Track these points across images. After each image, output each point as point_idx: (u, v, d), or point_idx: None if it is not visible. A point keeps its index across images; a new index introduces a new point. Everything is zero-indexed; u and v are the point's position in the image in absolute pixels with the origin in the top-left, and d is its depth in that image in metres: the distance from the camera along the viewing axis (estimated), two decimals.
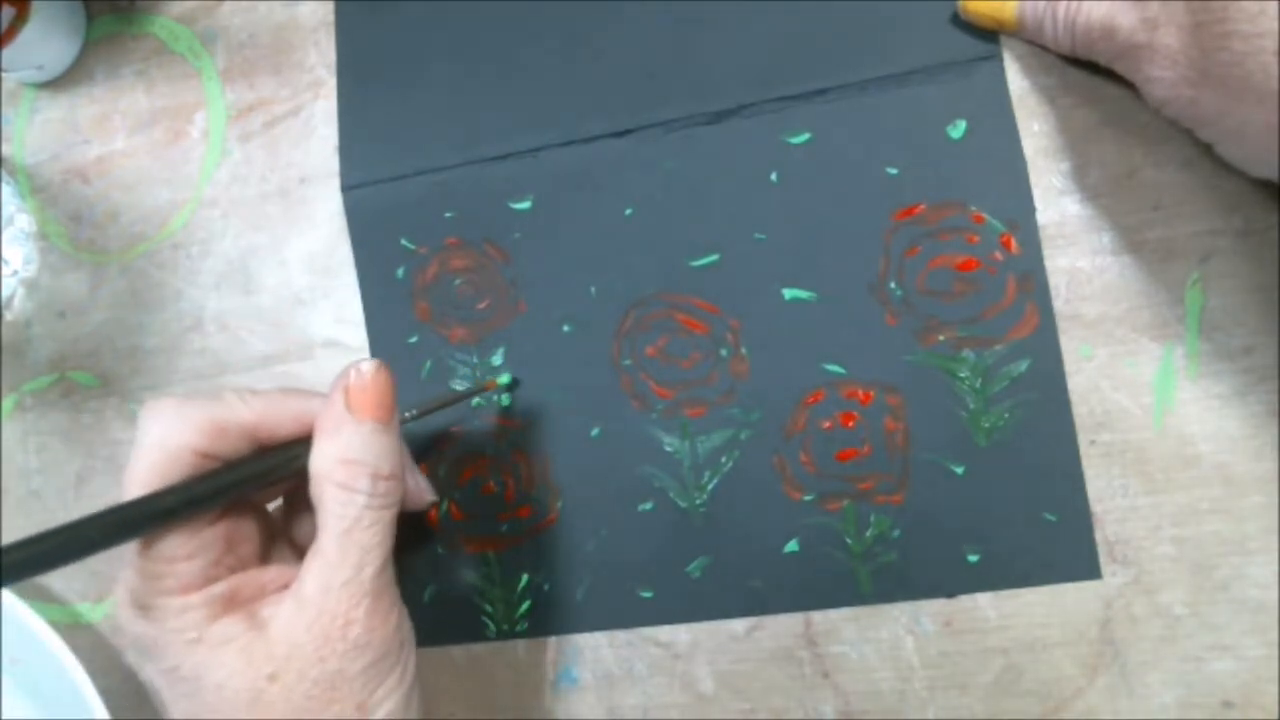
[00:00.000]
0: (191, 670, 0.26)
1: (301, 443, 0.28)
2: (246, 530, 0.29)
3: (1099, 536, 0.32)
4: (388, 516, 0.27)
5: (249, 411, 0.28)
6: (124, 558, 0.27)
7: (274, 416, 0.28)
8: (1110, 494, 0.32)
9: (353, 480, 0.27)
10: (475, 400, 0.37)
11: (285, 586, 0.28)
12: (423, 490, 0.33)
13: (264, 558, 0.30)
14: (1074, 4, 0.30)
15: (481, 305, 0.37)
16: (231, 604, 0.27)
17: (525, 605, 0.36)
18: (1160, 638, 0.31)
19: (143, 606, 0.26)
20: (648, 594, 0.35)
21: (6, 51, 0.40)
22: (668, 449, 0.35)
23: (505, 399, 0.37)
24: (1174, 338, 0.32)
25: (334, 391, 0.28)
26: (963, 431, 0.33)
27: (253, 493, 0.28)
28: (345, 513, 0.27)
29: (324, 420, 0.27)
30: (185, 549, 0.26)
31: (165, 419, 0.27)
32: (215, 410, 0.27)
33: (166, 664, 0.26)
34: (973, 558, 0.33)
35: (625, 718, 0.36)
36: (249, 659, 0.26)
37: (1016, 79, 0.33)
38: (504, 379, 0.36)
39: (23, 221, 0.43)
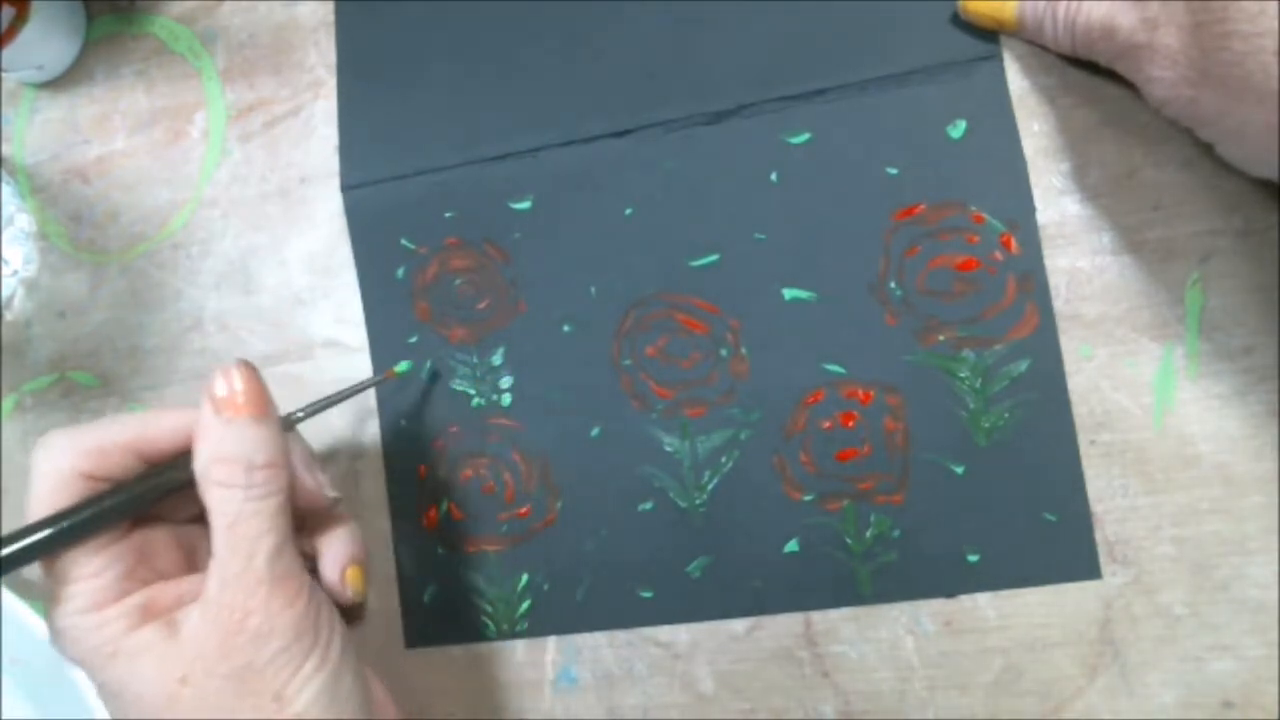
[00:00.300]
0: (114, 682, 0.27)
1: (188, 454, 0.29)
2: (160, 543, 0.30)
3: (1099, 536, 0.32)
4: (271, 505, 0.28)
5: (125, 430, 0.29)
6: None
7: (152, 431, 0.29)
8: (1110, 494, 0.32)
9: (229, 476, 0.27)
10: (475, 400, 0.37)
11: None
12: (321, 485, 0.32)
13: (190, 568, 0.31)
14: (1074, 4, 0.30)
15: (481, 305, 0.37)
16: (148, 614, 0.28)
17: (525, 605, 0.36)
18: (1160, 638, 0.31)
19: (59, 629, 0.28)
20: (648, 594, 0.35)
21: (6, 51, 0.40)
22: (668, 449, 0.35)
23: (506, 399, 0.37)
24: (1174, 338, 0.32)
25: (202, 398, 0.28)
26: (963, 431, 0.33)
27: (150, 505, 0.29)
28: (227, 509, 0.27)
29: (198, 427, 0.28)
30: (89, 568, 0.27)
31: (53, 448, 0.28)
32: (96, 433, 0.28)
33: (95, 679, 0.27)
34: (973, 558, 0.33)
35: (625, 718, 0.36)
36: (161, 665, 0.27)
37: (1016, 79, 0.33)
38: (402, 367, 0.37)
39: (23, 221, 0.43)
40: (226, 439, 0.28)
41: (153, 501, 0.29)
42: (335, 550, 0.33)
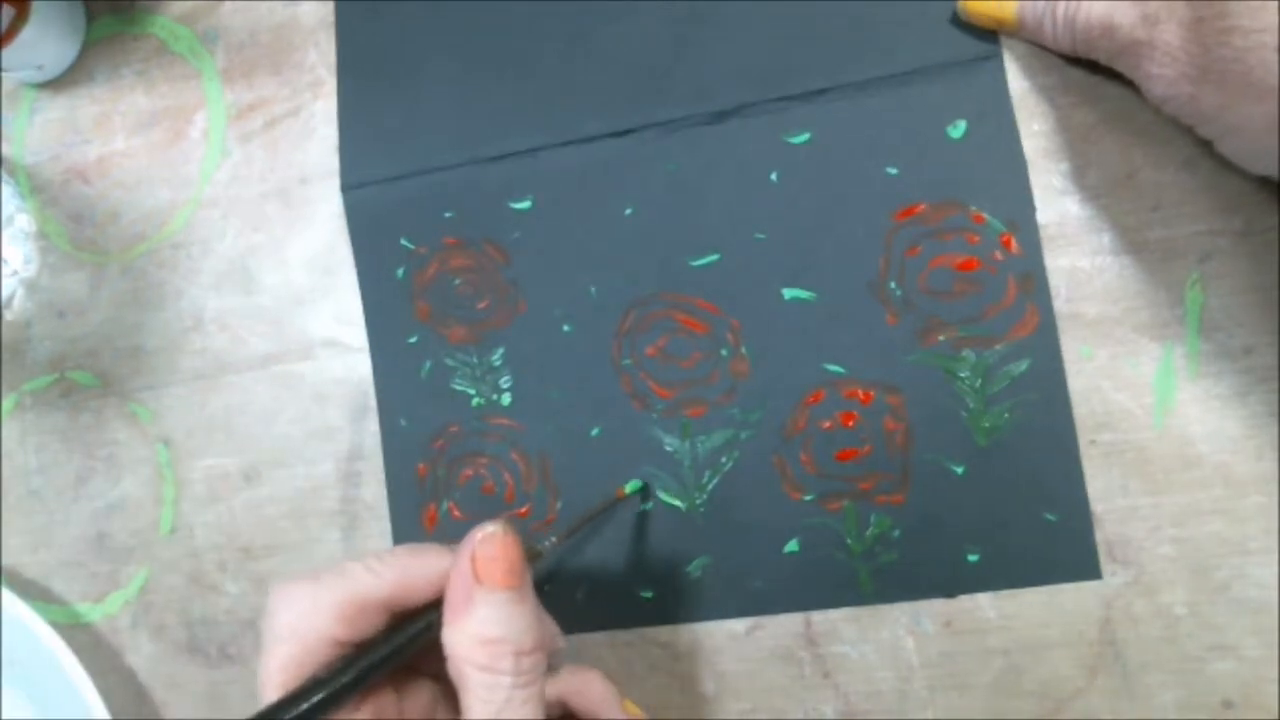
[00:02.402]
0: None
1: (434, 608, 0.26)
2: (384, 702, 0.27)
3: (1099, 536, 0.32)
4: (537, 690, 0.25)
5: (383, 585, 0.26)
6: None
7: (408, 587, 0.26)
8: (1110, 494, 0.32)
9: (495, 661, 0.25)
10: (475, 400, 0.37)
11: None
12: (557, 634, 0.31)
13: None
14: (1074, 3, 0.30)
15: (481, 305, 0.37)
16: None
17: None
18: (1160, 638, 0.31)
19: None
20: (648, 594, 0.35)
21: (6, 51, 0.40)
22: (668, 449, 0.35)
23: (506, 399, 0.37)
24: (1174, 338, 0.32)
25: (460, 560, 0.25)
26: (963, 431, 0.33)
27: (392, 668, 0.26)
28: (492, 696, 0.25)
29: (454, 594, 0.25)
30: None
31: (298, 606, 0.25)
32: (349, 590, 0.25)
33: None
34: (973, 558, 0.33)
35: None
36: None
37: (1016, 79, 0.33)
38: (632, 486, 0.35)
39: (23, 221, 0.43)
40: (491, 617, 0.25)
41: (396, 664, 0.26)
42: (597, 689, 0.31)
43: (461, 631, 0.25)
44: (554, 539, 0.30)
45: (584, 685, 0.31)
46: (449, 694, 0.29)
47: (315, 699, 0.24)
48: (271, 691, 0.25)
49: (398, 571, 0.26)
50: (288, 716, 0.24)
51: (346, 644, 0.25)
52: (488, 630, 0.25)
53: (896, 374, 0.33)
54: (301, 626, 0.25)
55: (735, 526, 0.35)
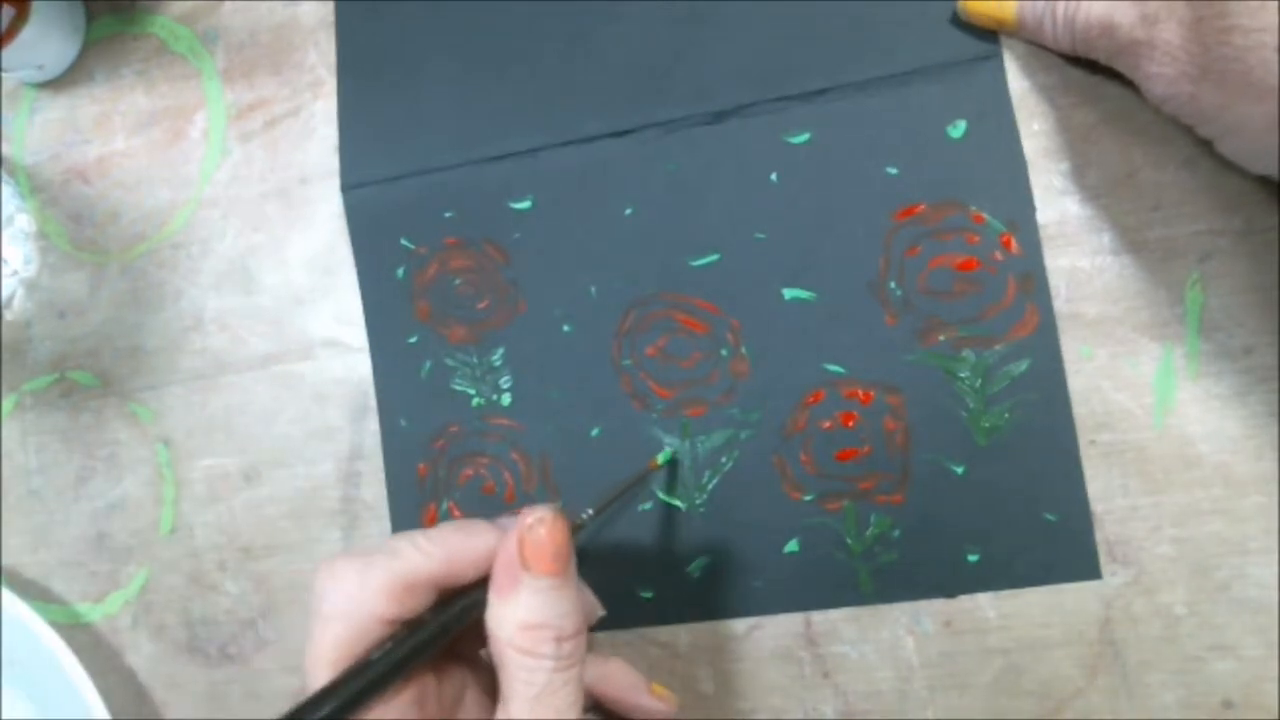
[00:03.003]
0: None
1: (479, 588, 0.26)
2: (424, 681, 0.27)
3: (1099, 536, 0.32)
4: (576, 674, 0.26)
5: (432, 564, 0.26)
6: None
7: (456, 566, 0.26)
8: (1110, 494, 0.32)
9: (536, 645, 0.25)
10: (475, 400, 0.37)
11: None
12: (593, 606, 0.31)
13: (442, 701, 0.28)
14: (1073, 2, 0.30)
15: (481, 305, 0.37)
16: None
17: None
18: (1160, 638, 0.31)
19: None
20: (648, 594, 0.35)
21: (6, 51, 0.40)
22: (668, 449, 0.35)
23: (506, 399, 0.37)
24: (1174, 338, 0.32)
25: (507, 543, 0.26)
26: (963, 431, 0.33)
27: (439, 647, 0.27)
28: (533, 679, 0.25)
29: (500, 577, 0.26)
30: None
31: (346, 585, 0.25)
32: (399, 569, 0.25)
33: None
34: (973, 558, 0.33)
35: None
36: None
37: (1016, 79, 0.33)
38: (664, 456, 0.35)
39: (23, 221, 0.43)
40: (535, 603, 0.25)
41: (443, 643, 0.26)
42: (623, 676, 0.31)
43: (505, 615, 0.25)
44: (591, 511, 0.30)
45: (610, 673, 0.31)
46: (476, 672, 0.29)
47: (370, 678, 0.24)
48: (323, 670, 0.25)
49: (446, 550, 0.26)
50: (348, 696, 0.24)
51: (395, 622, 0.25)
52: (531, 615, 0.25)
53: (896, 374, 0.33)
54: (351, 606, 0.25)
55: (735, 526, 0.35)
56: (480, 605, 0.26)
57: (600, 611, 0.31)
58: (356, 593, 0.25)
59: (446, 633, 0.26)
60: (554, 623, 0.25)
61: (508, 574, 0.26)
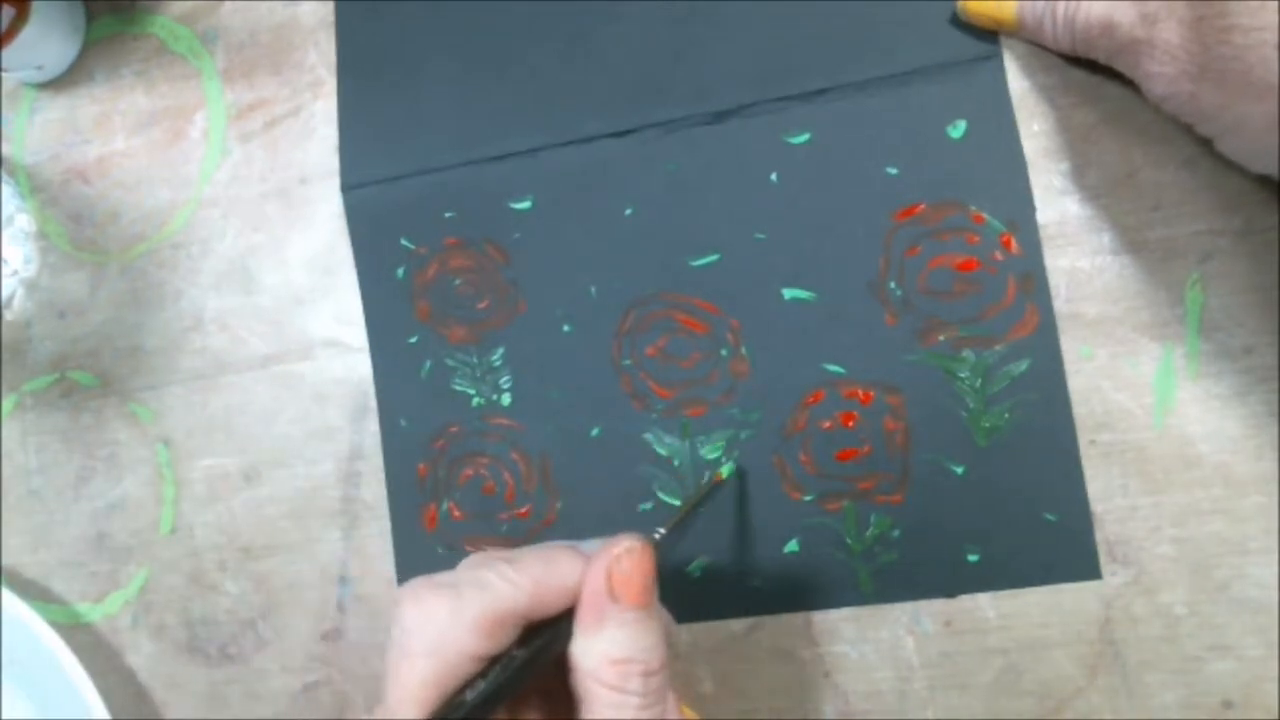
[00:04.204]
0: None
1: (564, 620, 0.26)
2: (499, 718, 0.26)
3: (1099, 536, 0.32)
4: (662, 709, 0.25)
5: (521, 597, 0.25)
6: None
7: (543, 597, 0.25)
8: (1110, 494, 0.32)
9: (624, 680, 0.24)
10: (475, 400, 0.37)
11: None
12: (674, 631, 0.30)
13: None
14: (1073, 2, 0.30)
15: (481, 305, 0.37)
16: None
17: None
18: (1160, 638, 0.31)
19: None
20: None
21: (6, 51, 0.40)
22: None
23: (506, 399, 0.37)
24: (1174, 338, 0.32)
25: (594, 575, 0.25)
26: (963, 431, 0.33)
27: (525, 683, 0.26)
28: (619, 715, 0.24)
29: (586, 610, 0.25)
30: None
31: (438, 619, 0.24)
32: (489, 603, 0.25)
33: None
34: (973, 558, 0.33)
35: None
36: None
37: (1016, 79, 0.33)
38: (728, 470, 0.34)
39: (23, 221, 0.43)
40: (622, 637, 0.25)
41: (529, 679, 0.25)
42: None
43: (592, 648, 0.25)
44: (662, 530, 0.29)
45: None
46: (549, 703, 0.28)
47: (466, 718, 0.23)
48: (412, 709, 0.24)
49: (533, 581, 0.25)
50: None
51: (484, 658, 0.25)
52: (619, 649, 0.24)
53: (896, 374, 0.33)
54: (443, 643, 0.24)
55: (735, 526, 0.35)
56: (563, 638, 0.25)
57: (674, 629, 0.30)
58: (449, 629, 0.24)
59: (533, 668, 0.25)
60: (641, 656, 0.25)
61: (595, 607, 0.25)
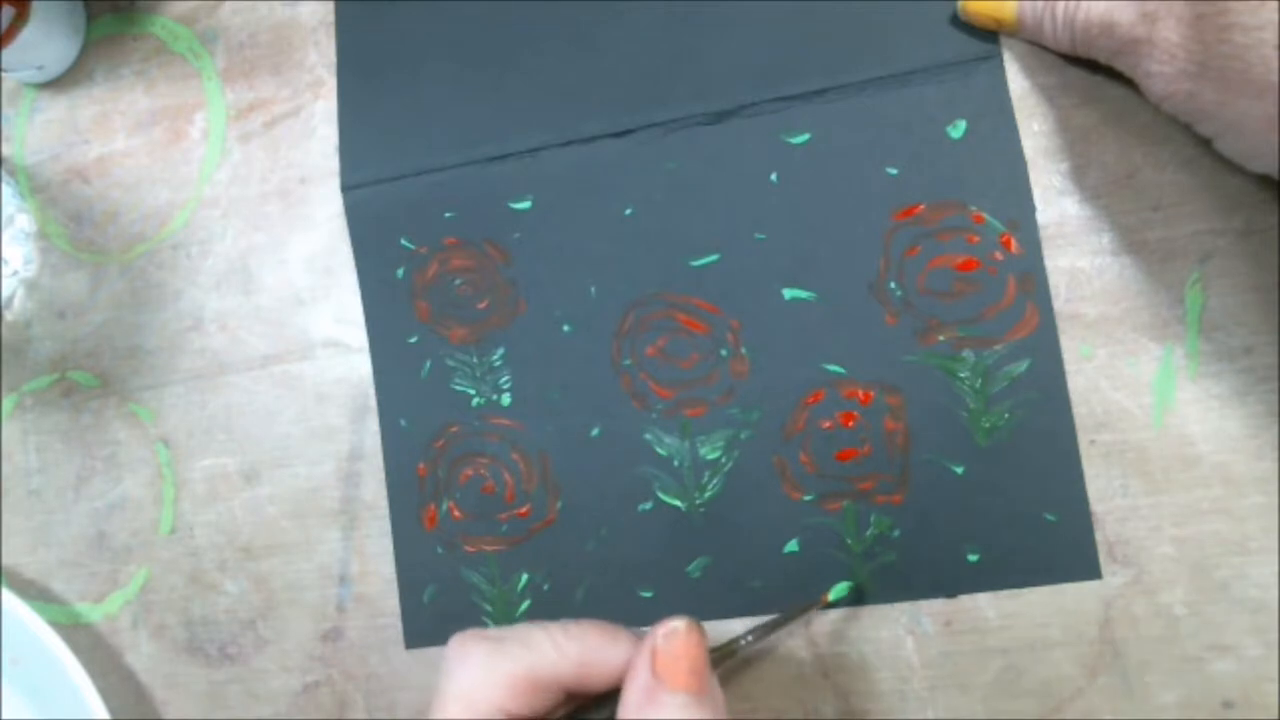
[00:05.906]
0: None
1: (610, 698, 0.25)
2: None
3: (1099, 536, 0.32)
4: None
5: (564, 664, 0.25)
6: None
7: (588, 669, 0.25)
8: (1110, 494, 0.32)
9: None
10: (475, 400, 0.37)
11: None
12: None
13: None
14: (1073, 2, 0.30)
15: (481, 305, 0.37)
16: None
17: (525, 605, 0.36)
18: (1160, 638, 0.31)
19: None
20: (648, 594, 0.35)
21: (6, 51, 0.40)
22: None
23: (506, 399, 0.37)
24: (1174, 338, 0.32)
25: (641, 655, 0.24)
26: (963, 431, 0.33)
27: None
28: None
29: (632, 691, 0.24)
30: None
31: (473, 668, 0.24)
32: (528, 662, 0.24)
33: None
34: (973, 558, 0.33)
35: None
36: None
37: (1016, 79, 0.33)
38: (836, 592, 0.33)
39: (23, 221, 0.43)
40: None
41: None
42: None
43: None
44: (750, 637, 0.28)
45: None
46: None
47: None
48: None
49: (583, 650, 0.25)
50: None
51: (517, 717, 0.24)
52: None
53: (896, 374, 0.33)
54: (475, 691, 0.24)
55: (735, 527, 0.35)
56: (609, 715, 0.25)
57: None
58: (482, 678, 0.24)
59: None
60: None
61: (642, 688, 0.24)
